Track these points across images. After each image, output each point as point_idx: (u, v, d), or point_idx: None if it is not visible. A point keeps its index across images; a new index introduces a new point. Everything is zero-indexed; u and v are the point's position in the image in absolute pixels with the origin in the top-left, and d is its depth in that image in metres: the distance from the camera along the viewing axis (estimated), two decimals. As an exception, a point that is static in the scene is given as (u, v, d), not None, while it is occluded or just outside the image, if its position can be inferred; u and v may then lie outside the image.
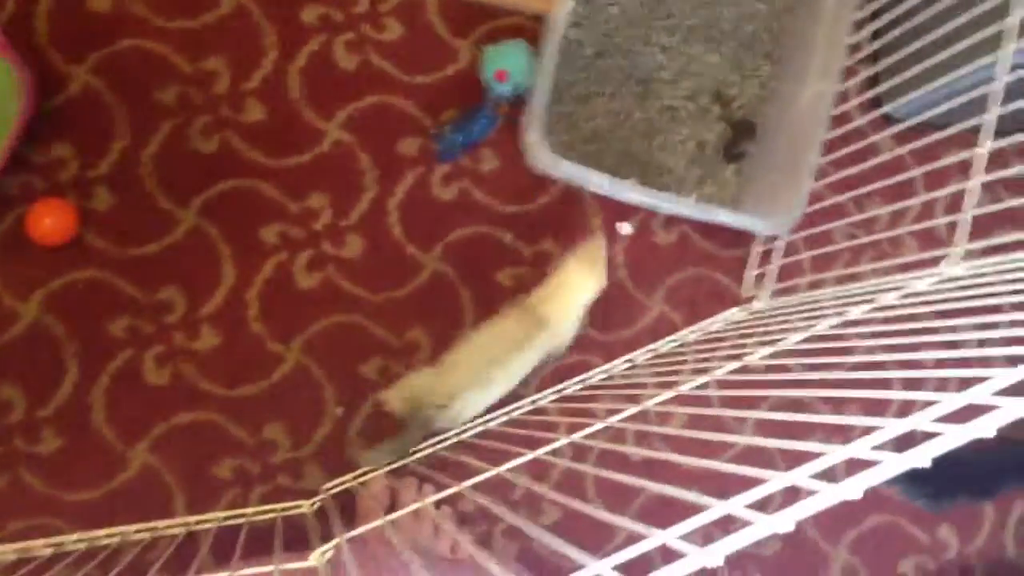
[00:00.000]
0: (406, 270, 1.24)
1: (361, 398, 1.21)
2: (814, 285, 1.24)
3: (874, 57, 1.25)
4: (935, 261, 0.96)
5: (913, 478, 1.32)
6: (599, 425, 0.85)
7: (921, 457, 0.46)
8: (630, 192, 1.11)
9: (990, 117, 0.89)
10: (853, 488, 0.43)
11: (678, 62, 1.29)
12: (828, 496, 0.44)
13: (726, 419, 1.25)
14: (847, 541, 1.33)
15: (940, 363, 0.69)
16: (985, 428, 0.47)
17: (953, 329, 0.73)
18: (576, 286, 1.12)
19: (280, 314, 1.20)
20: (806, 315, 0.96)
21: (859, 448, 0.48)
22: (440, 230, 1.25)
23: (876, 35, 1.19)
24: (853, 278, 1.18)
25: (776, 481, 0.48)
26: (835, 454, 0.49)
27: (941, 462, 1.39)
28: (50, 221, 1.13)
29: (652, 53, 1.29)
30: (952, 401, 0.50)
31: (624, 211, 1.30)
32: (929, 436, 0.48)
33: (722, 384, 0.96)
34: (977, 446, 1.39)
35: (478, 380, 1.07)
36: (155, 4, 1.20)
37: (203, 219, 1.19)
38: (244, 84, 1.22)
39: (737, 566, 1.30)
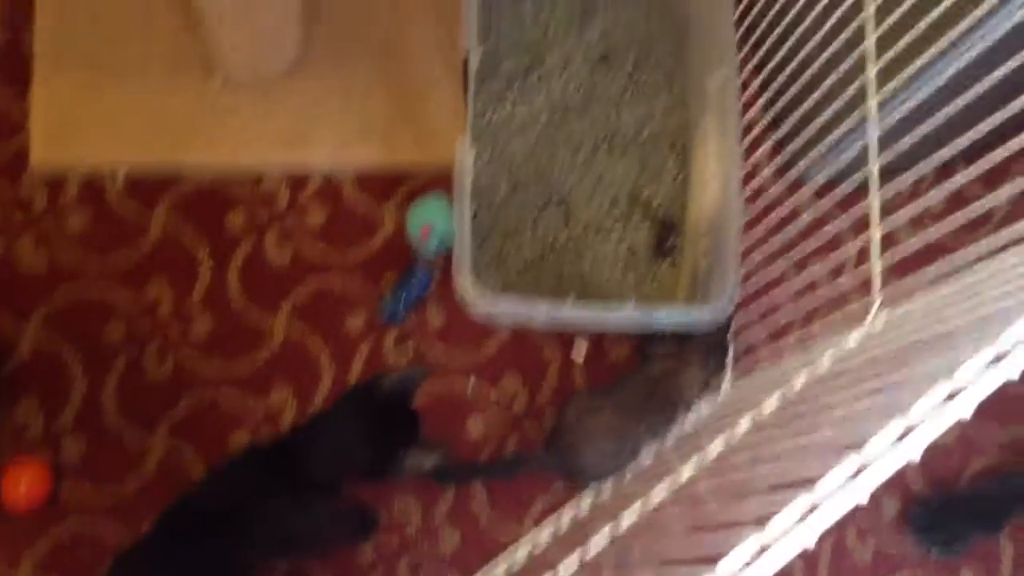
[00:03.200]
0: (381, 438, 1.25)
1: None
2: (774, 354, 1.24)
3: (774, 125, 1.31)
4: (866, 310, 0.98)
5: (924, 528, 1.32)
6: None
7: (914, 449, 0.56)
8: (570, 312, 1.13)
9: (872, 168, 0.92)
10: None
11: (590, 177, 1.34)
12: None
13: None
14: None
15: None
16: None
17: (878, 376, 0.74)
18: None
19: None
20: (754, 398, 0.97)
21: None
22: (405, 392, 1.28)
23: (768, 106, 1.24)
24: (807, 339, 1.19)
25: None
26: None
27: (945, 507, 1.39)
28: (25, 488, 1.14)
29: (564, 175, 1.34)
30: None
31: (575, 334, 1.32)
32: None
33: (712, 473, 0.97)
34: (975, 482, 1.38)
35: None
36: (85, 250, 1.26)
37: (174, 440, 1.21)
38: (187, 301, 1.26)
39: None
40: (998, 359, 0.62)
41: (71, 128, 1.28)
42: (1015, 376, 0.60)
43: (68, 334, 1.23)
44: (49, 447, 1.19)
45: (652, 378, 1.21)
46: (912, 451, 0.58)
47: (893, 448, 0.58)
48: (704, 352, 1.22)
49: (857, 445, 0.59)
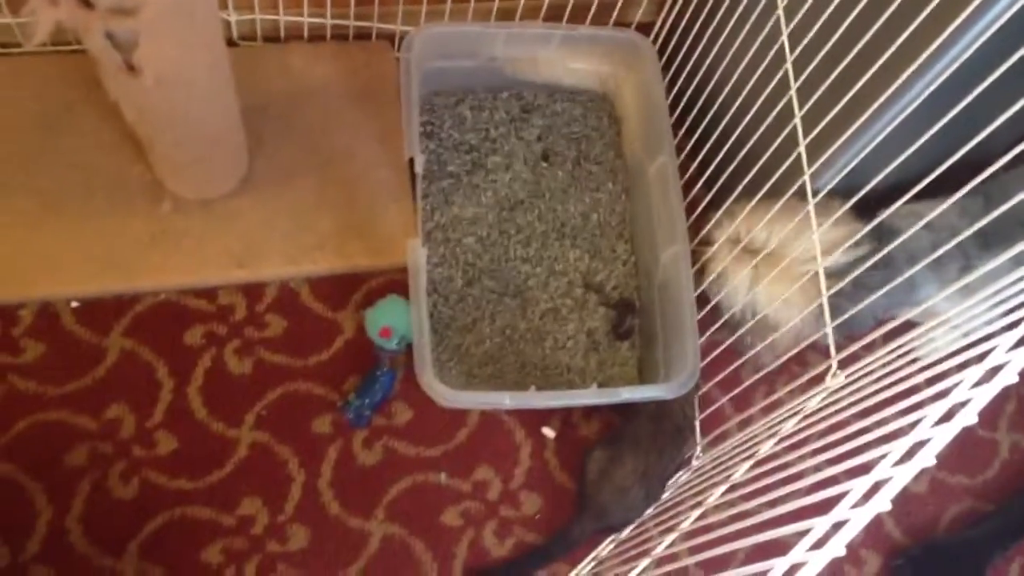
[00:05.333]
0: (356, 543, 1.24)
1: None
2: (743, 424, 1.27)
3: (715, 204, 1.36)
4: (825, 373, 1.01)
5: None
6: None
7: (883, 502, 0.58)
8: (534, 400, 1.15)
9: (814, 237, 0.96)
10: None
11: (543, 267, 1.38)
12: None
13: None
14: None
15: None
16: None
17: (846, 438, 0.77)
18: None
19: (244, 631, 1.19)
20: (723, 465, 0.99)
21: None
22: (376, 493, 1.27)
23: (709, 184, 1.28)
24: (775, 406, 1.22)
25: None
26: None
27: (925, 558, 1.41)
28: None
29: (517, 266, 1.37)
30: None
31: (543, 416, 1.34)
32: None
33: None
34: (952, 528, 1.41)
35: None
36: (43, 376, 1.24)
37: (144, 563, 1.18)
38: (149, 421, 1.25)
39: None
40: (953, 411, 0.65)
41: (20, 264, 1.27)
42: (973, 422, 0.63)
43: (29, 462, 1.20)
44: (16, 580, 1.16)
45: (651, 412, 1.25)
46: (881, 505, 0.60)
47: (863, 507, 0.60)
48: None
49: (827, 508, 0.62)
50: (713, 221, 1.21)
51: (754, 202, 1.09)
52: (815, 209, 0.99)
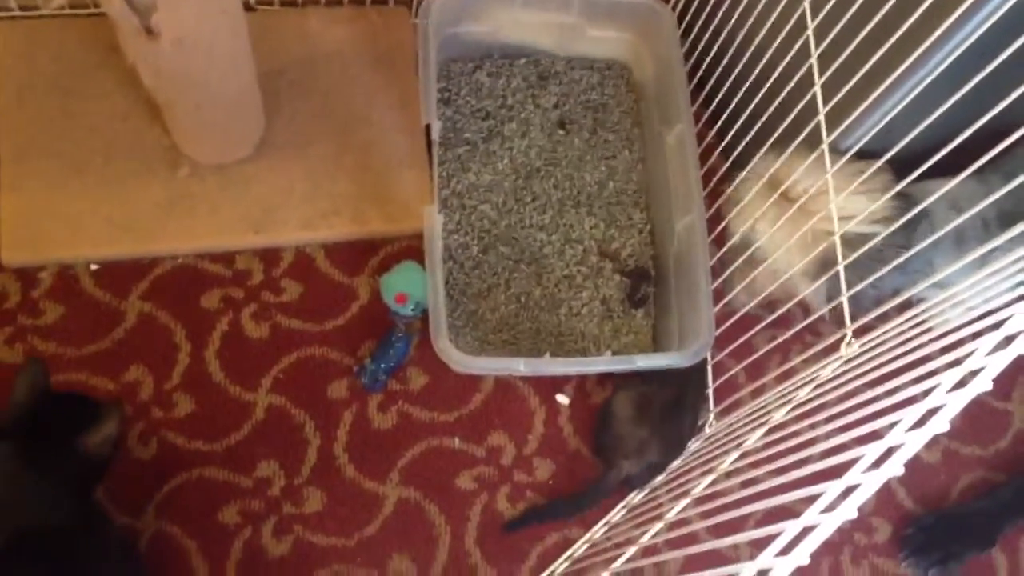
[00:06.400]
0: (370, 505, 1.26)
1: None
2: (756, 393, 1.27)
3: (733, 171, 1.35)
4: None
5: (917, 549, 1.34)
6: None
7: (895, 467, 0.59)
8: (548, 367, 1.15)
9: (832, 206, 0.96)
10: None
11: (558, 234, 1.38)
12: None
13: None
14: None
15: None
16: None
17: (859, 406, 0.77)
18: None
19: (260, 591, 1.21)
20: (738, 432, 1.00)
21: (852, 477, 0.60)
22: (391, 456, 1.28)
23: (726, 152, 1.28)
24: (788, 375, 1.22)
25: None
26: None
27: (937, 526, 1.42)
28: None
29: (532, 233, 1.37)
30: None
31: (558, 383, 1.35)
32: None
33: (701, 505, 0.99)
34: (964, 499, 1.42)
35: None
36: (62, 338, 1.26)
37: (162, 522, 1.20)
38: (167, 383, 1.26)
39: None
40: (967, 379, 0.65)
41: (40, 227, 1.28)
42: (988, 388, 0.63)
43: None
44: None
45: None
46: (894, 470, 0.60)
47: (875, 472, 0.60)
48: None
49: (839, 474, 0.62)
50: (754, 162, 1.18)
51: (792, 148, 1.07)
52: (839, 175, 0.98)
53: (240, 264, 1.33)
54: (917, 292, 0.89)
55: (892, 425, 0.66)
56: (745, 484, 0.82)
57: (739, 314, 1.18)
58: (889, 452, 0.63)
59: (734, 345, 1.22)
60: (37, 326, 1.26)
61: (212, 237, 1.32)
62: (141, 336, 1.28)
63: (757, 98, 1.15)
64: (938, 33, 0.83)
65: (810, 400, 0.91)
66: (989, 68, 0.73)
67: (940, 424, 0.62)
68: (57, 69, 1.35)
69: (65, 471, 0.97)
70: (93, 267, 1.30)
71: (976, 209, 0.76)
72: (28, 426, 0.97)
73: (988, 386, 0.62)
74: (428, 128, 1.26)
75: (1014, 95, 0.70)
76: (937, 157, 0.80)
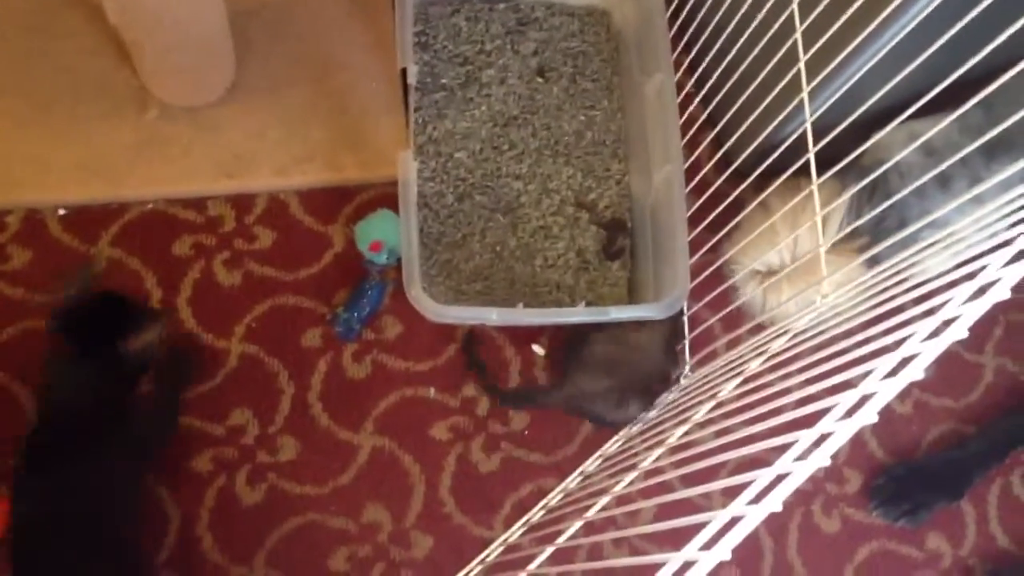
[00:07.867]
0: (345, 454, 1.25)
1: (336, 594, 1.20)
2: (732, 344, 1.27)
3: (711, 122, 1.34)
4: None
5: (887, 499, 1.35)
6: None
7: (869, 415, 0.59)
8: (521, 317, 1.15)
9: (810, 155, 0.95)
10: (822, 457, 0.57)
11: (535, 184, 1.36)
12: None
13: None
14: (847, 577, 1.34)
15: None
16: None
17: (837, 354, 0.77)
18: None
19: (234, 537, 1.20)
20: (713, 382, 1.00)
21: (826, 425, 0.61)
22: (365, 406, 1.28)
23: (706, 101, 1.26)
24: (763, 326, 1.22)
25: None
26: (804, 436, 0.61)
27: (907, 477, 1.42)
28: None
29: (508, 183, 1.35)
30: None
31: (533, 333, 1.34)
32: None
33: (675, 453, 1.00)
34: (934, 450, 1.43)
35: None
36: (29, 284, 1.24)
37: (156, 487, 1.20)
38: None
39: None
40: (941, 328, 0.65)
41: (7, 170, 1.25)
42: (963, 336, 0.63)
43: (17, 370, 1.21)
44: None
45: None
46: (867, 417, 0.60)
47: (849, 420, 0.60)
48: None
49: (813, 423, 0.62)
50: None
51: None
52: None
53: (212, 210, 1.31)
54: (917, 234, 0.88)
55: (866, 375, 0.66)
56: (719, 434, 0.82)
57: (715, 265, 1.18)
58: (863, 401, 0.63)
59: (710, 296, 1.22)
60: (4, 271, 1.24)
61: (183, 182, 1.30)
62: (110, 283, 1.26)
63: (737, 46, 1.13)
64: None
65: (785, 351, 0.91)
66: (951, 32, 0.73)
67: (915, 372, 0.62)
68: (25, 6, 1.31)
69: (108, 366, 1.09)
70: (61, 212, 1.27)
71: (975, 145, 0.76)
72: (80, 322, 1.09)
73: (964, 334, 0.62)
74: (404, 72, 1.23)
75: (974, 59, 0.70)
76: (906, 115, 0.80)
